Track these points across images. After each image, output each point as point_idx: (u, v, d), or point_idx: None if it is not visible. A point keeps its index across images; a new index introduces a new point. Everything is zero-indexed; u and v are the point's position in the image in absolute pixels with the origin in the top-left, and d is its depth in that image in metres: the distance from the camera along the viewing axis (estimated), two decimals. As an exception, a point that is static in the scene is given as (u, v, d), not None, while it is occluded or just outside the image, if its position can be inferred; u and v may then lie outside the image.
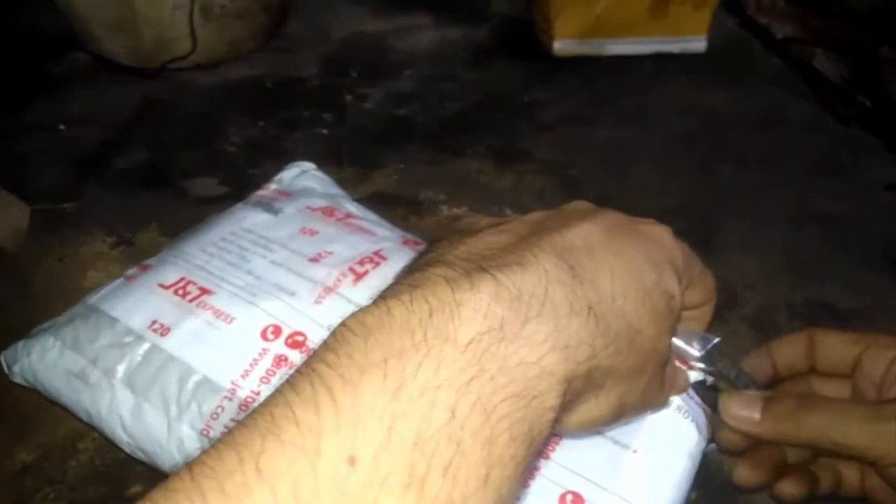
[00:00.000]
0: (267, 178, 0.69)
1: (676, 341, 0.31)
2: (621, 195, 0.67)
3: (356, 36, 0.94)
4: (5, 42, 0.84)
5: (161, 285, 0.41)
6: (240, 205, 0.50)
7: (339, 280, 0.40)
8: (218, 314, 0.39)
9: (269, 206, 0.48)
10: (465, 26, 0.96)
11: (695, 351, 0.31)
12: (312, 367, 0.20)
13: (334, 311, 0.38)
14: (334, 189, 0.54)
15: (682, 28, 0.88)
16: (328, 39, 0.93)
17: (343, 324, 0.22)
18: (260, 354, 0.37)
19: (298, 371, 0.21)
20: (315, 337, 0.37)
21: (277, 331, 0.37)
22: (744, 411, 0.31)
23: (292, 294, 0.39)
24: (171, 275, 0.42)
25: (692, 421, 0.35)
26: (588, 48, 0.88)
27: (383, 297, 0.23)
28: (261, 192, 0.52)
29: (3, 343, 0.43)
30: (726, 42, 0.92)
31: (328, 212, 0.47)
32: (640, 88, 0.84)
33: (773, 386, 0.35)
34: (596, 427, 0.27)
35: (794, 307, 0.56)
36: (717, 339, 0.32)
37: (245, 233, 0.45)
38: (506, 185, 0.69)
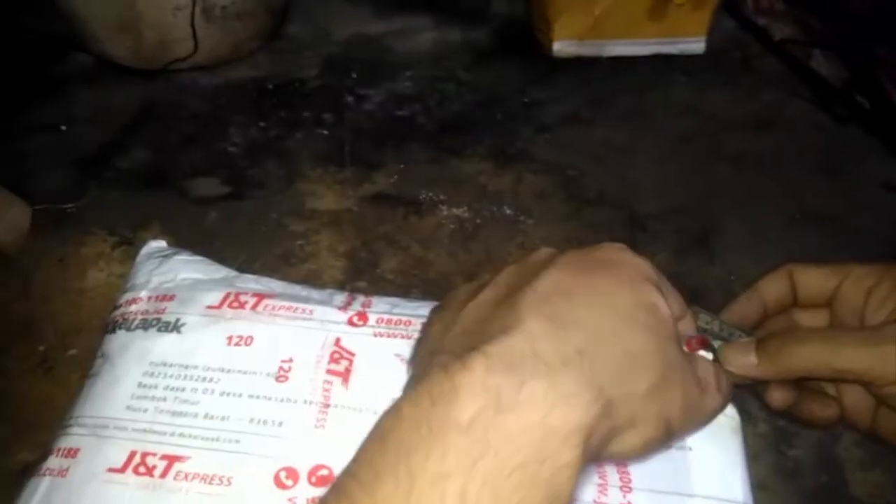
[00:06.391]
0: (268, 178, 0.70)
1: None
2: (620, 195, 0.67)
3: (357, 37, 0.94)
4: (8, 43, 0.85)
5: (111, 469, 0.31)
6: (122, 334, 0.37)
7: (326, 391, 0.34)
8: (209, 479, 0.31)
9: (162, 324, 0.37)
10: (465, 27, 0.96)
11: None
12: (339, 479, 0.22)
13: (346, 427, 0.33)
14: (214, 267, 0.42)
15: (680, 29, 0.88)
16: (329, 41, 0.93)
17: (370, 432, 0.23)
18: None
19: (332, 484, 0.23)
20: (340, 463, 0.30)
21: (293, 474, 0.31)
22: (741, 358, 0.32)
23: (280, 424, 0.32)
24: (115, 453, 0.32)
25: None
26: (587, 49, 0.89)
27: (399, 397, 0.24)
28: (132, 308, 0.39)
29: (4, 344, 0.44)
30: (725, 43, 0.92)
31: (236, 303, 0.37)
32: (639, 89, 0.85)
33: (760, 325, 0.37)
34: (651, 450, 0.27)
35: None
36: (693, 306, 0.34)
37: (162, 368, 0.35)
38: (505, 185, 0.69)
